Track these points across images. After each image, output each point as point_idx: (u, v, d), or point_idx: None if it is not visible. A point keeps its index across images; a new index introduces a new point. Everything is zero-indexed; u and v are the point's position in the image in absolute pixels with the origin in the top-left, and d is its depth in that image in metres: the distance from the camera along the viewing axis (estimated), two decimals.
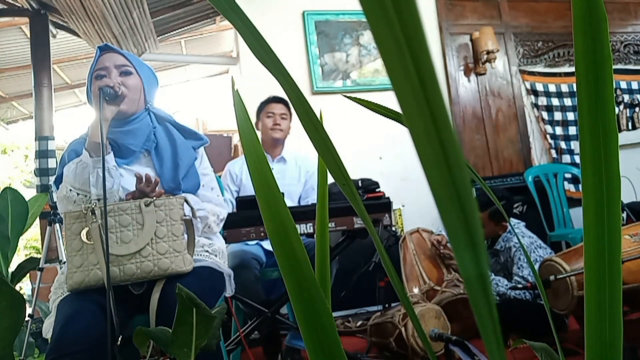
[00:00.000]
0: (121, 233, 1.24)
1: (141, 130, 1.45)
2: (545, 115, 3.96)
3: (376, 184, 2.11)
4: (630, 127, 3.97)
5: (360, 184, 2.10)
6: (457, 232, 0.24)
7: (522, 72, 4.01)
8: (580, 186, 0.40)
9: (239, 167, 2.48)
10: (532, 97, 3.99)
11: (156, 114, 1.51)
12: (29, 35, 3.75)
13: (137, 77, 1.45)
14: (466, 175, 0.22)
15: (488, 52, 3.74)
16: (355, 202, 0.40)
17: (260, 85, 2.54)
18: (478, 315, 0.25)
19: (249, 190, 2.41)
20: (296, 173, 2.49)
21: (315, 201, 2.49)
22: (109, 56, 1.44)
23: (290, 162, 2.50)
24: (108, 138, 1.34)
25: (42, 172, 2.98)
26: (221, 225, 1.55)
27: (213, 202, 1.52)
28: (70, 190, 1.32)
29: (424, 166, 0.23)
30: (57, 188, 1.39)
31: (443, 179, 0.23)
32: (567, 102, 4.00)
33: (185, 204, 1.33)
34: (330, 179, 0.49)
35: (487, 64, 3.85)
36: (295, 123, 2.59)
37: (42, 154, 3.05)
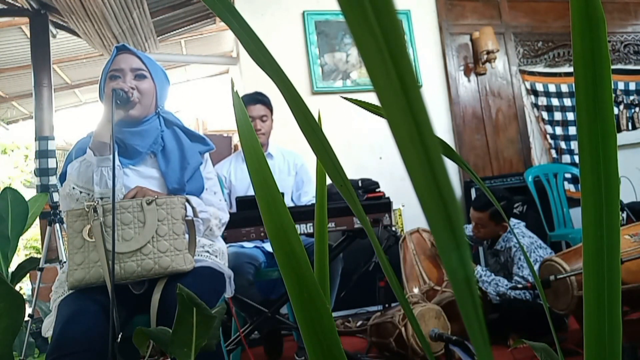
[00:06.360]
0: (122, 231, 1.25)
1: (149, 132, 1.46)
2: (545, 115, 3.96)
3: (376, 184, 2.10)
4: (630, 127, 3.97)
5: (360, 184, 2.10)
6: (443, 236, 0.24)
7: (522, 72, 4.01)
8: (580, 186, 0.41)
9: (226, 169, 2.49)
10: (532, 97, 3.99)
11: (165, 117, 1.52)
12: (29, 35, 3.75)
13: (150, 81, 1.47)
14: (448, 182, 0.23)
15: (488, 52, 3.74)
16: (353, 203, 0.40)
17: (260, 85, 2.53)
18: (465, 316, 0.25)
19: (239, 190, 2.42)
20: (285, 167, 2.50)
21: (307, 194, 2.49)
22: (125, 57, 1.45)
23: (277, 157, 2.51)
24: (115, 137, 1.36)
25: (42, 172, 2.97)
26: (222, 229, 1.57)
27: (215, 206, 1.53)
28: (74, 188, 1.34)
29: (410, 172, 0.24)
30: (62, 184, 1.41)
31: (428, 184, 0.23)
32: (567, 102, 4.00)
33: (187, 204, 1.33)
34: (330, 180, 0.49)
35: (487, 64, 3.84)
36: (287, 122, 2.61)
37: (42, 154, 3.04)
